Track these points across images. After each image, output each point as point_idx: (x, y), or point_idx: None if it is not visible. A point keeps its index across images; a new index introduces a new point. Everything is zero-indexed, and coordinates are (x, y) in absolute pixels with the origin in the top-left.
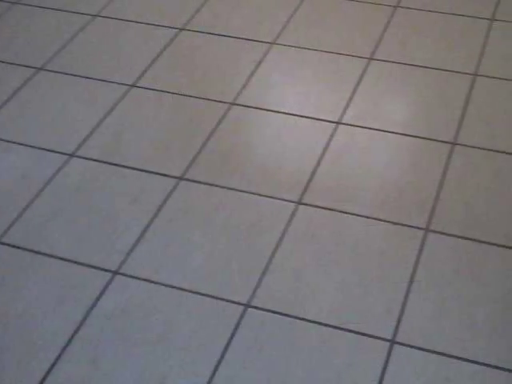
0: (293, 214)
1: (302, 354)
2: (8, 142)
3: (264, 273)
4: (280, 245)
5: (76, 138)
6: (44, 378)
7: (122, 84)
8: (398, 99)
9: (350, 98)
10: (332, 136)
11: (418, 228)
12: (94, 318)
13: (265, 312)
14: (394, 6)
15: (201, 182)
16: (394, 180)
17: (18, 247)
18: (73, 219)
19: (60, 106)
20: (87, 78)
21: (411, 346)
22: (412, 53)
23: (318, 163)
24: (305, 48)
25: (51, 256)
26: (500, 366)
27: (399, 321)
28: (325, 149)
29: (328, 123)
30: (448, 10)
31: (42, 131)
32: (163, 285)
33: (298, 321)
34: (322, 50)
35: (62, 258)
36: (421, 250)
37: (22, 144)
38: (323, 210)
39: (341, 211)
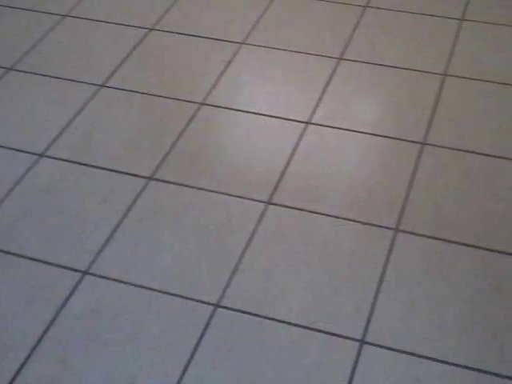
0: (262, 214)
1: (272, 353)
2: None
3: (234, 273)
4: (250, 245)
5: (46, 137)
6: (13, 378)
7: (92, 84)
8: (367, 99)
9: (320, 98)
10: (302, 136)
11: (388, 228)
12: (64, 317)
13: (234, 312)
14: (364, 6)
15: (170, 181)
16: (364, 180)
17: None
18: (42, 219)
19: (29, 105)
20: (57, 77)
21: (381, 346)
22: (382, 53)
23: (288, 163)
24: (274, 48)
25: (21, 256)
26: (469, 365)
27: (369, 321)
28: (294, 149)
29: (297, 123)
30: (418, 9)
31: (12, 131)
32: (133, 285)
33: (267, 321)
34: (291, 50)
35: (31, 258)
36: (390, 250)
37: None
38: (293, 209)
39: (310, 211)
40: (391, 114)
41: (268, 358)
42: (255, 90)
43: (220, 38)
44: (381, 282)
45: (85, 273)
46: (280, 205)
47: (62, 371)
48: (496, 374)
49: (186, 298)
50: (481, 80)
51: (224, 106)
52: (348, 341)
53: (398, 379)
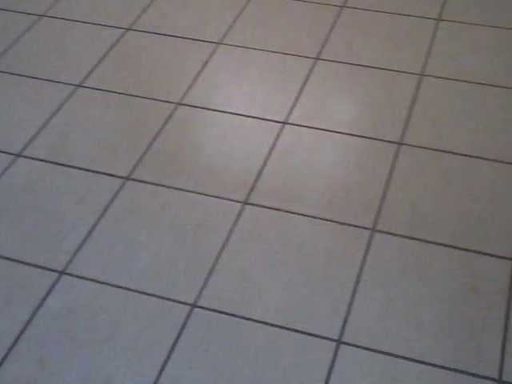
0: (239, 214)
1: (249, 353)
2: None
3: (210, 273)
4: (226, 245)
5: (22, 137)
6: None
7: (69, 84)
8: (344, 99)
9: (297, 98)
10: (278, 136)
11: (365, 228)
12: (41, 317)
13: (211, 312)
14: (341, 6)
15: (147, 182)
16: (341, 180)
17: None
18: (19, 219)
19: (6, 105)
20: (34, 77)
21: (357, 346)
22: (358, 53)
23: (265, 163)
24: (251, 48)
25: None
26: (446, 365)
27: (345, 321)
28: (271, 149)
29: (274, 123)
30: (394, 10)
31: None
32: (109, 285)
33: (244, 321)
34: (268, 50)
35: (8, 258)
36: (367, 250)
37: None
38: (269, 210)
39: (287, 211)
40: (368, 114)
41: (245, 357)
42: (232, 89)
43: (197, 38)
44: (358, 281)
45: (62, 273)
46: (257, 205)
47: (39, 371)
48: (473, 374)
49: (163, 298)
50: (458, 80)
51: (201, 105)
52: (325, 341)
53: (375, 379)
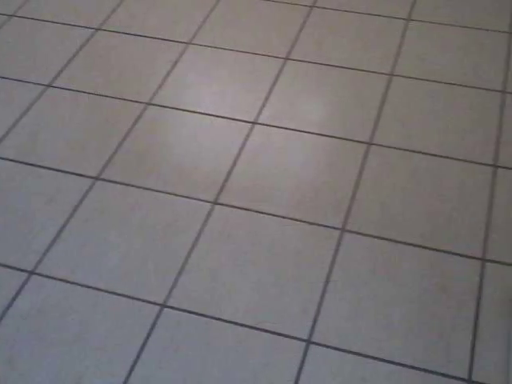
0: (209, 214)
1: (218, 353)
2: None
3: (180, 273)
4: (196, 245)
5: None
6: None
7: (38, 84)
8: (314, 99)
9: (266, 98)
10: (248, 136)
11: (334, 228)
12: (10, 317)
13: (181, 312)
14: (310, 6)
15: (117, 181)
16: (310, 180)
17: None
18: None
19: None
20: (3, 77)
21: (327, 346)
22: (328, 53)
23: (234, 163)
24: (221, 48)
25: None
26: (416, 365)
27: (315, 321)
28: (241, 149)
29: (244, 123)
30: (364, 9)
31: None
32: (79, 285)
33: (213, 321)
34: (237, 50)
35: None
36: (337, 250)
37: None
38: (239, 209)
39: (257, 211)
40: (337, 114)
41: (214, 357)
42: (202, 90)
43: (166, 38)
44: (327, 281)
45: (31, 273)
46: (226, 205)
47: (9, 371)
48: (442, 374)
49: (133, 298)
50: (427, 80)
51: (170, 106)
52: (294, 341)
53: (345, 379)
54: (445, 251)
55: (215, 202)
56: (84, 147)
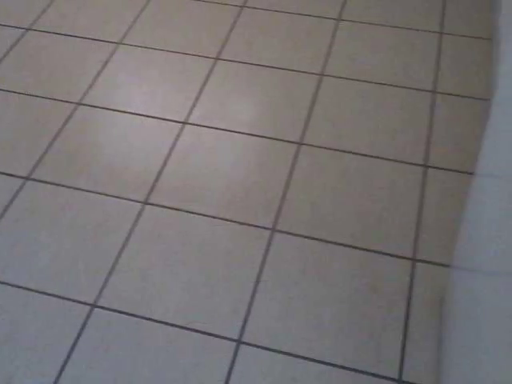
0: (139, 214)
1: (149, 353)
2: None
3: (110, 273)
4: (126, 245)
5: None
6: None
7: None
8: (244, 99)
9: (197, 98)
10: (178, 136)
11: (265, 228)
12: None
13: (111, 312)
14: (241, 6)
15: (47, 182)
16: (241, 180)
17: None
18: None
19: None
20: None
21: (257, 346)
22: (258, 53)
23: (165, 163)
24: (151, 48)
25: None
26: (346, 365)
27: (245, 321)
28: (171, 149)
29: (174, 123)
30: (294, 10)
31: None
32: (9, 285)
33: (144, 321)
34: (168, 50)
35: None
36: (267, 250)
37: None
38: (169, 209)
39: (187, 211)
40: (268, 114)
41: (145, 357)
42: (132, 90)
43: (97, 38)
44: (258, 281)
45: None
46: (157, 205)
47: None
48: (373, 374)
49: (63, 298)
50: (357, 80)
51: (101, 106)
52: (225, 341)
53: (275, 379)
54: (375, 251)
55: (145, 202)
56: (14, 147)
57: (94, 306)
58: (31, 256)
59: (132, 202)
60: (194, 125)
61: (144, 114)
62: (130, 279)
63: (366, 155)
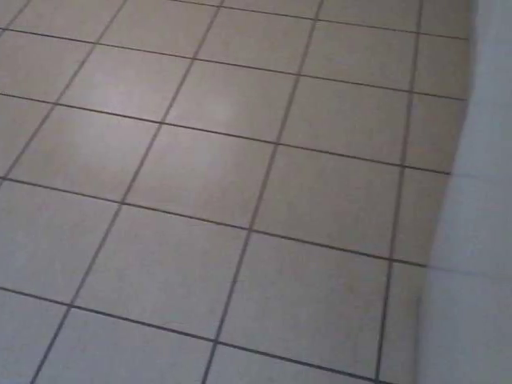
0: (116, 214)
1: (126, 353)
2: None
3: (87, 273)
4: (103, 245)
5: None
6: None
7: None
8: (221, 99)
9: (174, 98)
10: (155, 136)
11: (242, 228)
12: None
13: (88, 312)
14: (218, 6)
15: (24, 181)
16: (218, 180)
17: None
18: None
19: None
20: None
21: (234, 346)
22: (235, 53)
23: (142, 163)
24: (128, 48)
25: None
26: (323, 365)
27: (222, 321)
28: (148, 149)
29: (151, 123)
30: (271, 10)
31: None
32: None
33: (121, 321)
34: (145, 50)
35: None
36: (244, 250)
37: None
38: (146, 209)
39: (164, 211)
40: (245, 114)
41: (122, 357)
42: (109, 90)
43: (74, 38)
44: (234, 281)
45: None
46: (133, 205)
47: None
48: (350, 374)
49: (40, 298)
50: (334, 80)
51: (78, 106)
52: (202, 341)
53: (252, 379)
54: (352, 251)
55: (122, 202)
56: None
57: (70, 306)
58: (8, 256)
59: (109, 202)
60: (170, 125)
61: (121, 114)
62: (106, 279)
63: (342, 155)
